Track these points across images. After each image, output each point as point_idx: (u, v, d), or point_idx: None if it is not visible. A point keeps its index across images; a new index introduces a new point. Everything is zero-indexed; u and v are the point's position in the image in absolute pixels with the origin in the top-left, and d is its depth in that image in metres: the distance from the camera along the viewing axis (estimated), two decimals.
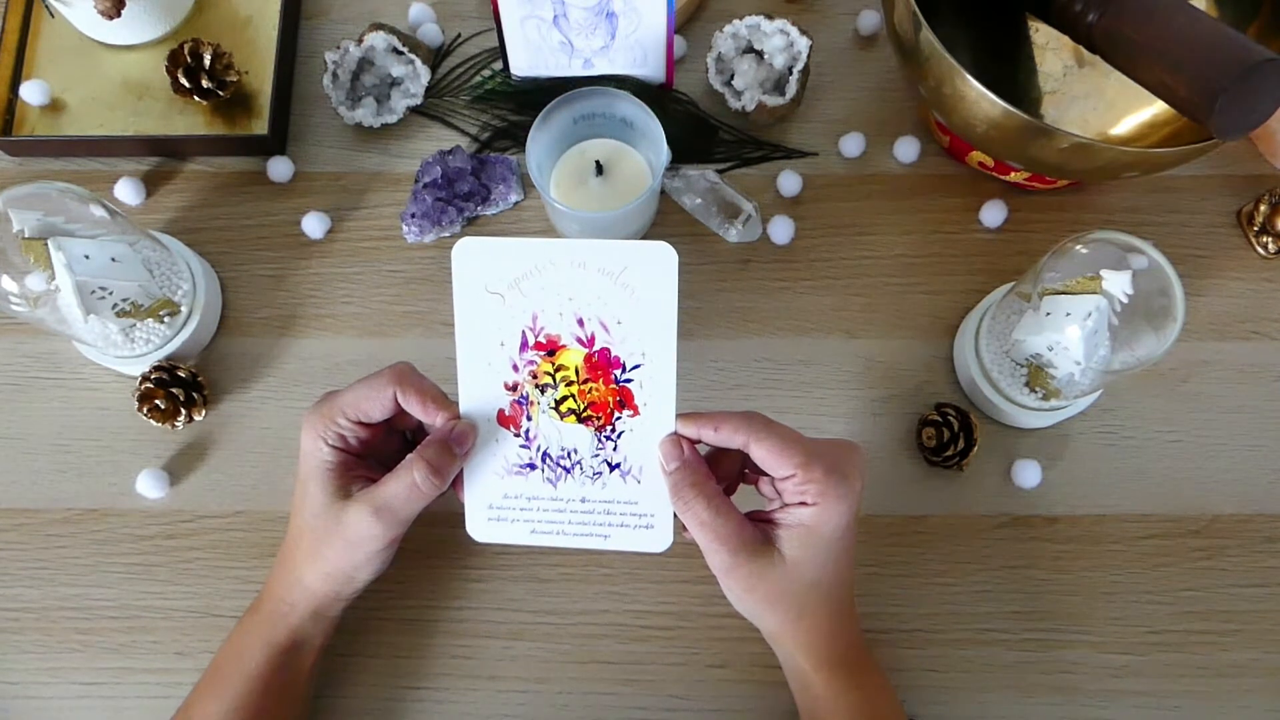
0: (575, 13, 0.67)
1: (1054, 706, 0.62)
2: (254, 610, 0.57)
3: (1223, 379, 0.69)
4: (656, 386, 0.52)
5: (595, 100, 0.67)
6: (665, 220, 0.72)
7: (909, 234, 0.72)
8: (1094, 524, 0.66)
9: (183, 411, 0.66)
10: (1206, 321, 0.70)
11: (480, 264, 0.52)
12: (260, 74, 0.75)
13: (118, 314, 0.63)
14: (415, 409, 0.52)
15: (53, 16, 0.76)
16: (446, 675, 0.63)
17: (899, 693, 0.59)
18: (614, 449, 0.53)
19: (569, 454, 0.53)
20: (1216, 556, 0.65)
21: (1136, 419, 0.68)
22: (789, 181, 0.72)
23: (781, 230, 0.71)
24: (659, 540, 0.53)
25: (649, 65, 0.71)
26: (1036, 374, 0.63)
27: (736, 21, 0.71)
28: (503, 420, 0.53)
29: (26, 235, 0.59)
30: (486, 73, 0.76)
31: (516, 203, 0.73)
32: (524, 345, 0.52)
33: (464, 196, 0.72)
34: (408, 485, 0.51)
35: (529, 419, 0.53)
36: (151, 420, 0.66)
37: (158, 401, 0.65)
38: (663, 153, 0.65)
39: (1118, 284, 0.58)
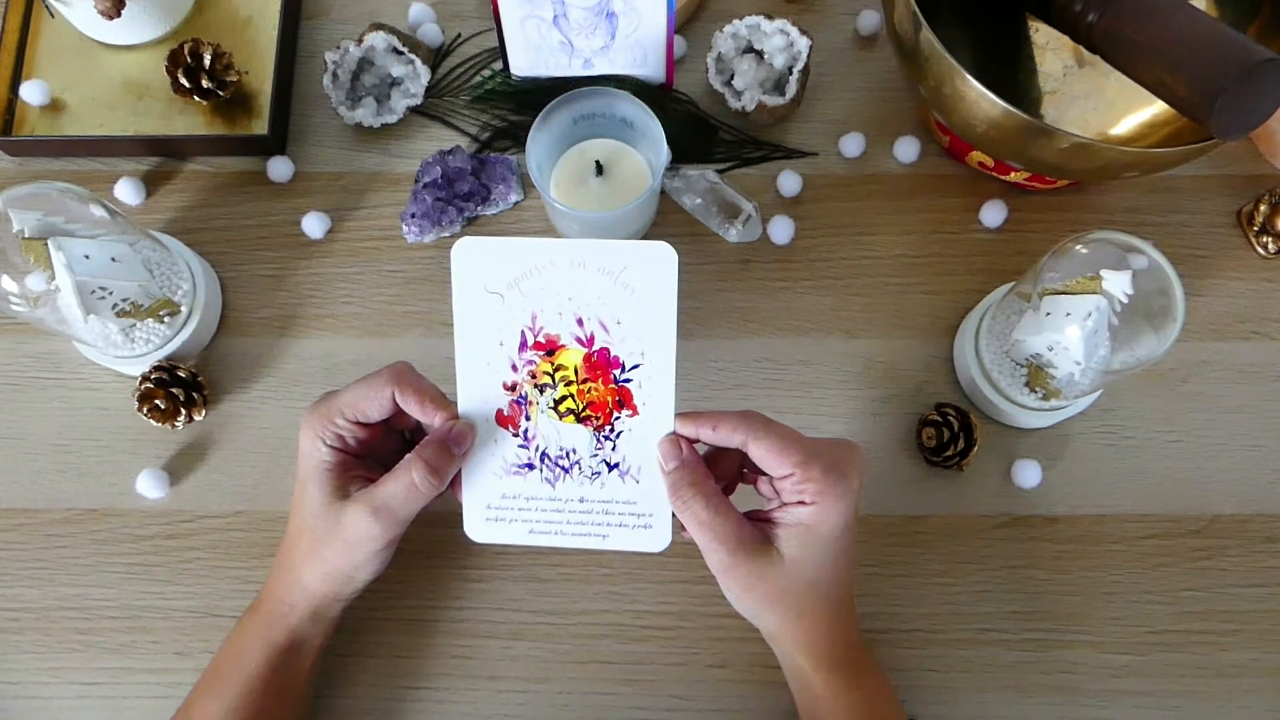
0: (575, 13, 0.67)
1: (1054, 706, 0.62)
2: (253, 610, 0.57)
3: (1223, 379, 0.69)
4: (656, 386, 0.52)
5: (595, 100, 0.67)
6: (665, 220, 0.72)
7: (909, 234, 0.72)
8: (1094, 524, 0.66)
9: (183, 411, 0.66)
10: (1206, 321, 0.70)
11: (479, 264, 0.52)
12: (260, 74, 0.75)
13: (118, 314, 0.63)
14: (413, 409, 0.52)
15: (53, 16, 0.76)
16: (446, 675, 0.63)
17: (899, 693, 0.59)
18: (613, 449, 0.53)
19: (568, 454, 0.53)
20: (1216, 556, 0.65)
21: (1136, 419, 0.68)
22: (789, 181, 0.72)
23: (781, 230, 0.71)
24: (658, 540, 0.53)
25: (649, 65, 0.71)
26: (1036, 374, 0.63)
27: (736, 21, 0.71)
28: (501, 420, 0.53)
29: (26, 235, 0.59)
30: (486, 73, 0.76)
31: (516, 203, 0.73)
32: (523, 345, 0.52)
33: (464, 196, 0.72)
34: (406, 485, 0.51)
35: (528, 419, 0.53)
36: (151, 420, 0.66)
37: (158, 401, 0.65)
38: (663, 153, 0.65)
39: (1118, 284, 0.58)
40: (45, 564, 0.65)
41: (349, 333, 0.70)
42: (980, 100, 0.59)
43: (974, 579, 0.64)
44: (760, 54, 0.72)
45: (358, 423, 0.53)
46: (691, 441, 0.52)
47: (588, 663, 0.63)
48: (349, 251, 0.72)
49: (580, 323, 0.52)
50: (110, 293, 0.62)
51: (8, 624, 0.64)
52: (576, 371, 0.52)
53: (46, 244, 0.59)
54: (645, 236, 0.72)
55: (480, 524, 0.54)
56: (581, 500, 0.53)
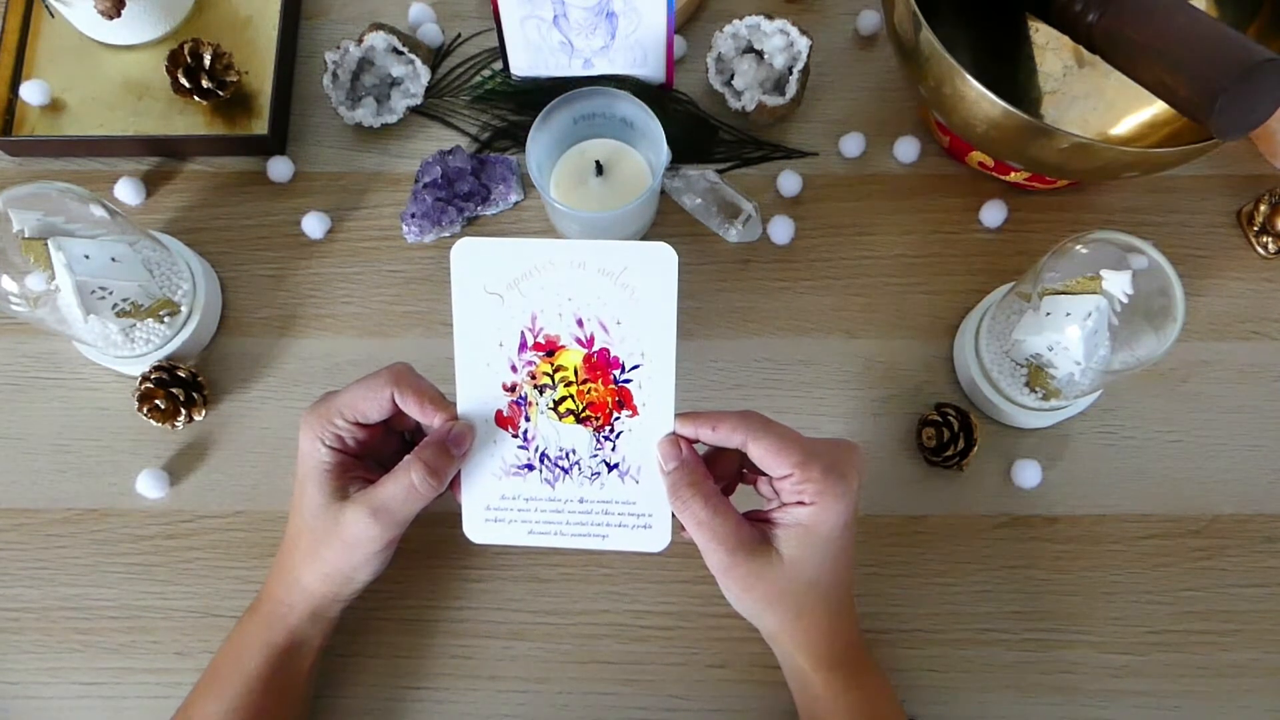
0: (575, 13, 0.67)
1: (1054, 706, 0.62)
2: (253, 611, 0.57)
3: (1223, 379, 0.69)
4: (656, 387, 0.52)
5: (595, 100, 0.67)
6: (665, 220, 0.72)
7: (909, 234, 0.72)
8: (1094, 524, 0.66)
9: (183, 411, 0.66)
10: (1206, 321, 0.70)
11: (479, 264, 0.52)
12: (260, 74, 0.75)
13: (118, 314, 0.63)
14: (413, 410, 0.52)
15: (53, 16, 0.76)
16: (446, 675, 0.63)
17: (899, 693, 0.59)
18: (612, 449, 0.53)
19: (567, 454, 0.53)
20: (1216, 556, 0.65)
21: (1136, 419, 0.68)
22: (789, 181, 0.72)
23: (781, 230, 0.71)
24: (657, 540, 0.53)
25: (649, 65, 0.71)
26: (1036, 374, 0.63)
27: (736, 21, 0.71)
28: (501, 421, 0.53)
29: (26, 235, 0.59)
30: (486, 73, 0.76)
31: (516, 203, 0.73)
32: (523, 346, 0.52)
33: (464, 196, 0.72)
34: (405, 486, 0.51)
35: (527, 420, 0.53)
36: (151, 420, 0.66)
37: (158, 401, 0.65)
38: (663, 153, 0.65)
39: (1118, 284, 0.58)
40: (45, 564, 0.65)
41: (349, 333, 0.70)
42: (980, 100, 0.59)
43: (974, 579, 0.64)
44: (760, 54, 0.72)
45: (357, 423, 0.53)
46: (691, 442, 0.52)
47: (588, 663, 0.63)
48: (349, 251, 0.72)
49: (580, 323, 0.52)
50: (110, 293, 0.62)
51: (8, 624, 0.64)
52: (576, 372, 0.52)
53: (46, 244, 0.59)
54: (645, 236, 0.72)
55: (479, 525, 0.54)
56: (581, 501, 0.53)
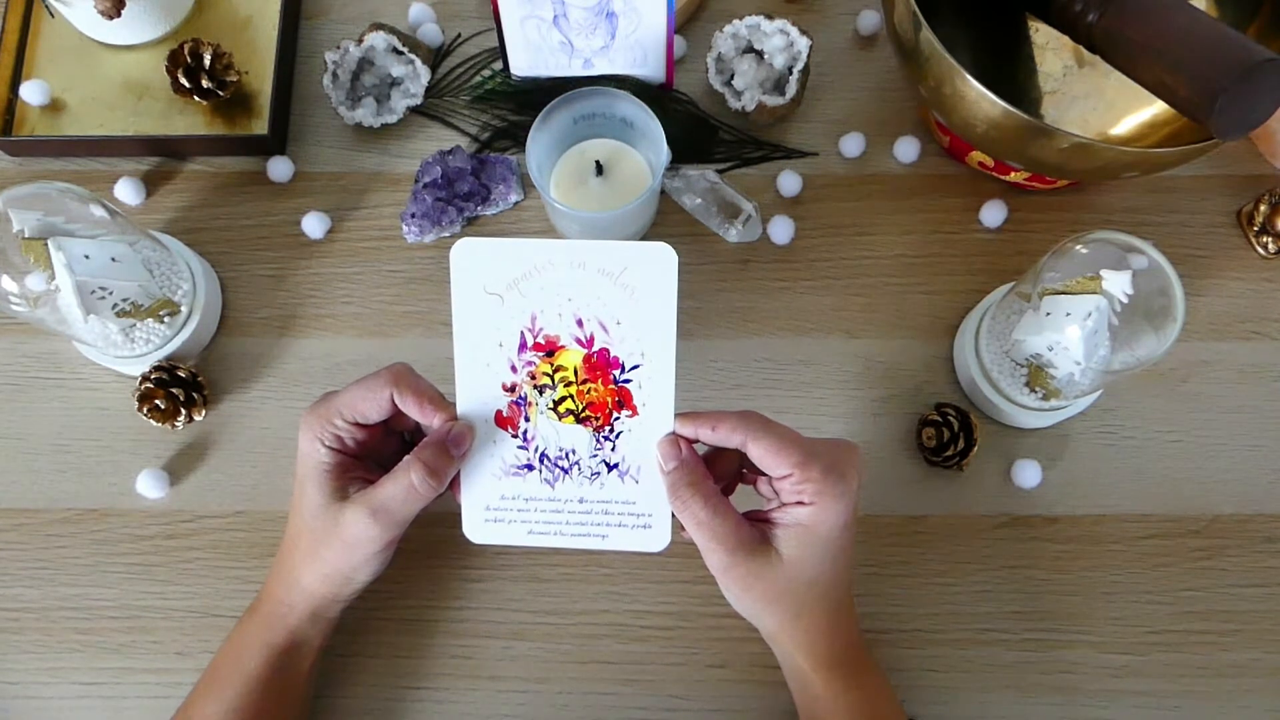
0: (575, 13, 0.67)
1: (1054, 706, 0.62)
2: (252, 611, 0.57)
3: (1223, 379, 0.69)
4: (655, 387, 0.52)
5: (595, 100, 0.67)
6: (665, 220, 0.72)
7: (909, 234, 0.72)
8: (1094, 524, 0.65)
9: (183, 411, 0.66)
10: (1206, 321, 0.70)
11: (479, 264, 0.52)
12: (260, 74, 0.75)
13: (118, 314, 0.63)
14: (412, 410, 0.52)
15: (53, 16, 0.76)
16: (446, 675, 0.63)
17: (899, 693, 0.59)
18: (612, 449, 0.53)
19: (567, 454, 0.53)
20: (1216, 556, 0.65)
21: (1136, 419, 0.68)
22: (789, 181, 0.72)
23: (781, 230, 0.71)
24: (657, 540, 0.53)
25: (649, 65, 0.71)
26: (1036, 374, 0.63)
27: (736, 21, 0.71)
28: (500, 421, 0.53)
29: (26, 235, 0.59)
30: (486, 73, 0.76)
31: (516, 203, 0.73)
32: (522, 346, 0.52)
33: (464, 196, 0.72)
34: (405, 487, 0.51)
35: (527, 420, 0.53)
36: (151, 420, 0.66)
37: (158, 401, 0.65)
38: (663, 153, 0.65)
39: (1118, 284, 0.58)
40: (45, 564, 0.65)
41: (349, 333, 0.70)
42: (980, 100, 0.59)
43: (974, 579, 0.64)
44: (760, 54, 0.72)
45: (357, 424, 0.53)
46: (691, 442, 0.52)
47: (588, 663, 0.63)
48: (349, 251, 0.72)
49: (580, 323, 0.52)
50: (110, 293, 0.62)
51: (8, 624, 0.64)
52: (576, 372, 0.52)
53: (46, 244, 0.59)
54: (645, 236, 0.72)
55: (479, 525, 0.54)
56: (581, 501, 0.53)
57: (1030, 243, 0.72)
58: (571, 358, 0.52)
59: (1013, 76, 0.74)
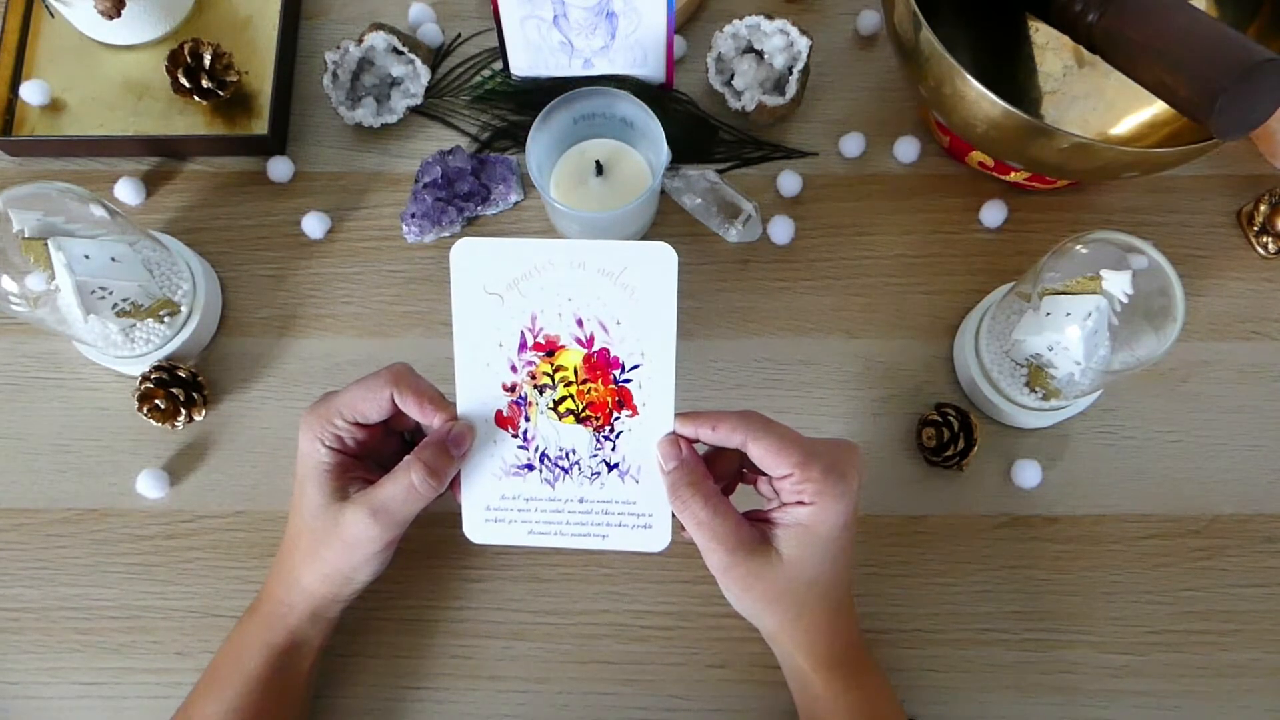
0: (575, 13, 0.67)
1: (1054, 706, 0.62)
2: (252, 611, 0.57)
3: (1223, 379, 0.69)
4: (655, 386, 0.52)
5: (595, 100, 0.67)
6: (665, 220, 0.72)
7: (909, 234, 0.72)
8: (1094, 524, 0.65)
9: (183, 411, 0.66)
10: (1206, 321, 0.70)
11: (479, 264, 0.52)
12: (260, 74, 0.75)
13: (118, 314, 0.63)
14: (412, 410, 0.52)
15: (53, 16, 0.76)
16: (446, 675, 0.63)
17: (899, 693, 0.59)
18: (612, 449, 0.53)
19: (567, 454, 0.53)
20: (1216, 556, 0.65)
21: (1136, 419, 0.68)
22: (789, 181, 0.72)
23: (781, 230, 0.71)
24: (657, 540, 0.53)
25: (649, 65, 0.71)
26: (1036, 374, 0.63)
27: (736, 21, 0.71)
28: (501, 421, 0.53)
29: (26, 235, 0.59)
30: (486, 73, 0.76)
31: (516, 203, 0.73)
32: (522, 346, 0.52)
33: (464, 196, 0.72)
34: (405, 487, 0.51)
35: (527, 420, 0.53)
36: (151, 420, 0.66)
37: (158, 401, 0.65)
38: (663, 153, 0.65)
39: (1118, 284, 0.58)
40: (45, 564, 0.65)
41: (349, 333, 0.70)
42: (980, 100, 0.59)
43: (974, 579, 0.64)
44: (760, 54, 0.72)
45: (357, 424, 0.53)
46: (691, 441, 0.52)
47: (588, 663, 0.63)
48: (349, 251, 0.72)
49: (580, 323, 0.52)
50: (110, 293, 0.62)
51: (8, 624, 0.64)
52: (576, 372, 0.52)
53: (46, 244, 0.59)
54: (645, 236, 0.72)
55: (479, 525, 0.54)
56: (581, 500, 0.53)
57: (1030, 243, 0.72)
58: (571, 357, 0.52)
59: (1013, 76, 0.74)
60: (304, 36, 0.78)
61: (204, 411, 0.67)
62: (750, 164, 0.74)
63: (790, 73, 0.71)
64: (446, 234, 0.72)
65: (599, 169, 0.69)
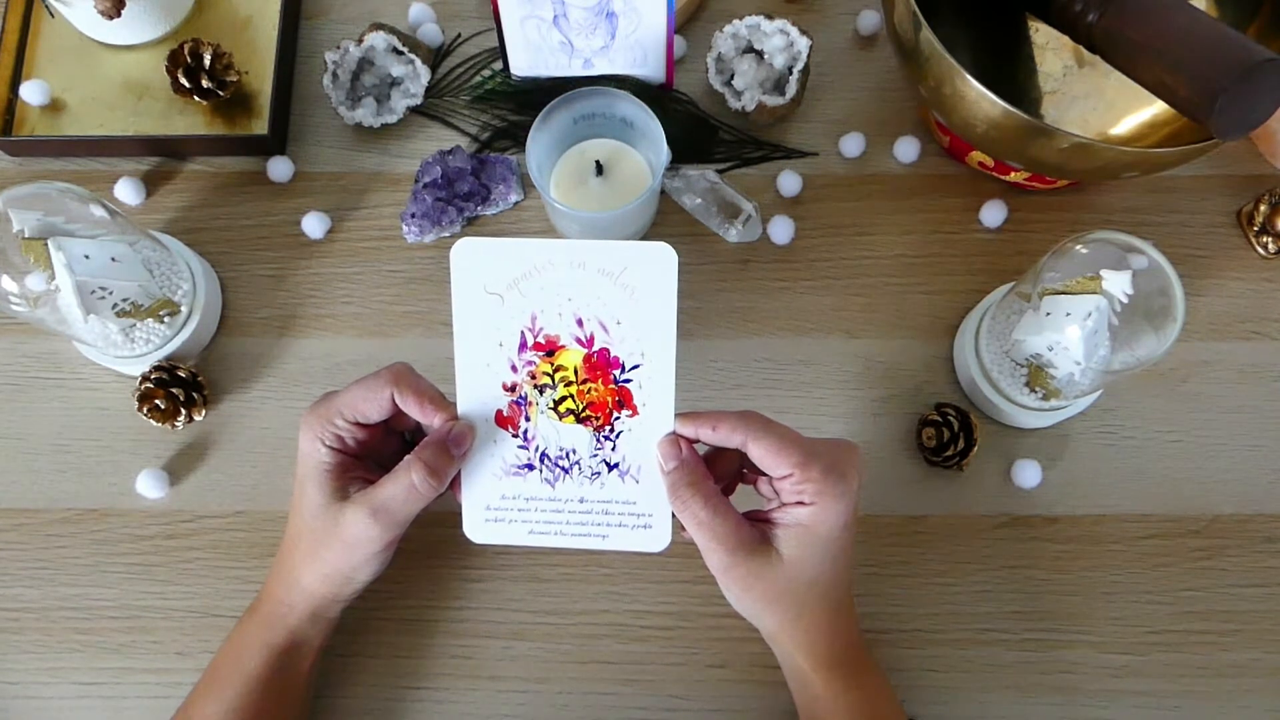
0: (575, 13, 0.67)
1: (1054, 706, 0.62)
2: (252, 611, 0.57)
3: (1223, 379, 0.69)
4: (656, 386, 0.52)
5: (595, 100, 0.67)
6: (665, 220, 0.72)
7: (909, 234, 0.72)
8: (1094, 524, 0.65)
9: (183, 411, 0.66)
10: (1206, 321, 0.70)
11: (479, 264, 0.52)
12: (260, 74, 0.75)
13: (118, 314, 0.63)
14: (413, 410, 0.52)
15: (53, 16, 0.76)
16: (446, 675, 0.63)
17: (899, 693, 0.59)
18: (612, 449, 0.53)
19: (567, 454, 0.53)
20: (1216, 556, 0.65)
21: (1136, 419, 0.68)
22: (789, 181, 0.72)
23: (781, 230, 0.71)
24: (657, 540, 0.53)
25: (649, 65, 0.71)
26: (1036, 374, 0.63)
27: (736, 21, 0.71)
28: (501, 421, 0.53)
29: (26, 235, 0.59)
30: (486, 73, 0.76)
31: (516, 203, 0.73)
32: (523, 346, 0.52)
33: (464, 196, 0.72)
34: (405, 487, 0.51)
35: (527, 419, 0.53)
36: (151, 420, 0.66)
37: (158, 401, 0.65)
38: (663, 153, 0.65)
39: (1118, 284, 0.58)
40: (45, 564, 0.65)
41: (349, 333, 0.70)
42: (980, 100, 0.59)
43: (974, 579, 0.64)
44: (760, 54, 0.72)
45: (357, 424, 0.53)
46: (691, 442, 0.52)
47: (588, 663, 0.63)
48: (349, 251, 0.72)
49: (580, 323, 0.52)
50: (110, 293, 0.62)
51: (8, 624, 0.64)
52: (576, 372, 0.52)
53: (46, 244, 0.59)
54: (645, 236, 0.72)
55: (480, 525, 0.54)
56: (581, 500, 0.53)
57: (1030, 243, 0.72)
58: (571, 357, 0.52)
59: (1013, 76, 0.74)
60: (304, 36, 0.78)
61: (204, 411, 0.67)
62: (750, 164, 0.74)
63: (790, 73, 0.71)
64: (446, 234, 0.72)
65: (599, 169, 0.69)
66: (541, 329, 0.52)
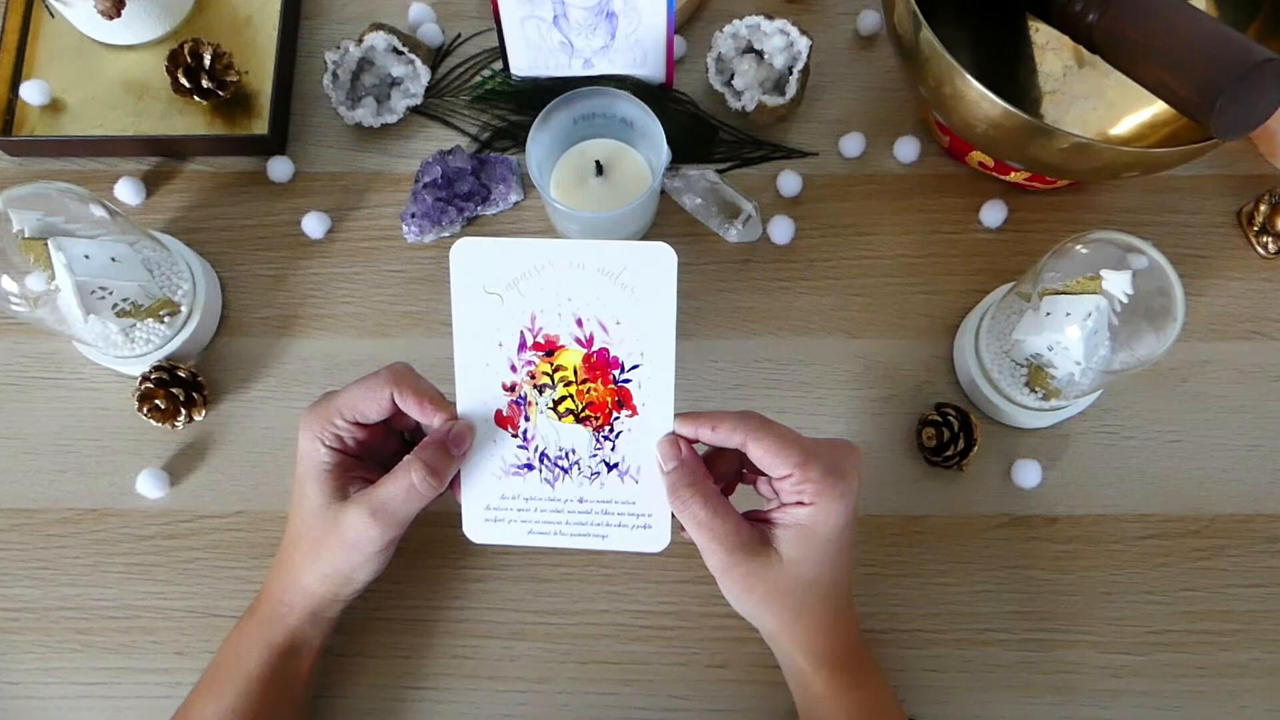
0: (575, 13, 0.67)
1: (1054, 706, 0.62)
2: (252, 611, 0.57)
3: (1223, 379, 0.69)
4: (655, 386, 0.52)
5: (595, 100, 0.67)
6: (665, 220, 0.72)
7: (909, 234, 0.72)
8: (1094, 524, 0.65)
9: (183, 411, 0.66)
10: (1206, 321, 0.70)
11: (478, 264, 0.52)
12: (260, 74, 0.75)
13: (118, 314, 0.63)
14: (412, 410, 0.52)
15: (53, 16, 0.76)
16: (446, 675, 0.63)
17: (899, 693, 0.60)
18: (612, 449, 0.53)
19: (567, 454, 0.53)
20: (1216, 556, 0.65)
21: (1136, 419, 0.68)
22: (789, 181, 0.72)
23: (781, 230, 0.71)
24: (657, 540, 0.53)
25: (649, 65, 0.71)
26: (1036, 374, 0.63)
27: (736, 21, 0.71)
28: (500, 421, 0.53)
29: (26, 235, 0.59)
30: (486, 73, 0.76)
31: (516, 203, 0.73)
32: (522, 345, 0.52)
33: (464, 196, 0.72)
34: (405, 487, 0.51)
35: (527, 419, 0.53)
36: (151, 420, 0.66)
37: (158, 401, 0.65)
38: (663, 153, 0.65)
39: (1118, 284, 0.58)
40: (45, 564, 0.65)
41: (349, 333, 0.70)
42: (980, 100, 0.59)
43: (974, 579, 0.64)
44: (760, 54, 0.72)
45: (357, 423, 0.53)
46: (691, 442, 0.52)
47: (588, 663, 0.63)
48: (349, 251, 0.72)
49: (579, 323, 0.52)
50: (110, 293, 0.62)
51: (8, 624, 0.64)
52: (576, 372, 0.52)
53: (46, 244, 0.59)
54: (645, 236, 0.72)
55: (479, 525, 0.54)
56: (581, 500, 0.53)
57: (1030, 243, 0.72)
58: (571, 357, 0.52)
59: (1013, 76, 0.74)
60: (304, 36, 0.78)
61: (204, 411, 0.67)
62: (750, 164, 0.74)
63: (790, 73, 0.71)
64: (446, 234, 0.72)
65: (599, 169, 0.69)
66: (541, 329, 0.52)
